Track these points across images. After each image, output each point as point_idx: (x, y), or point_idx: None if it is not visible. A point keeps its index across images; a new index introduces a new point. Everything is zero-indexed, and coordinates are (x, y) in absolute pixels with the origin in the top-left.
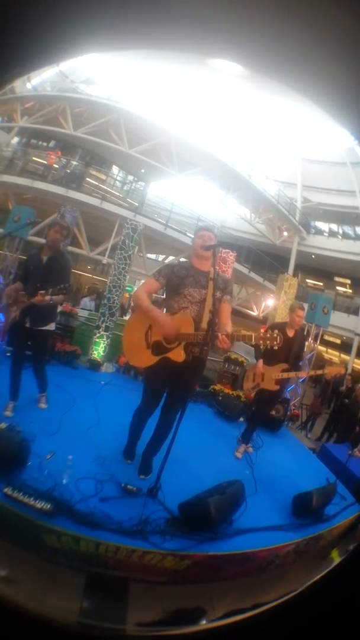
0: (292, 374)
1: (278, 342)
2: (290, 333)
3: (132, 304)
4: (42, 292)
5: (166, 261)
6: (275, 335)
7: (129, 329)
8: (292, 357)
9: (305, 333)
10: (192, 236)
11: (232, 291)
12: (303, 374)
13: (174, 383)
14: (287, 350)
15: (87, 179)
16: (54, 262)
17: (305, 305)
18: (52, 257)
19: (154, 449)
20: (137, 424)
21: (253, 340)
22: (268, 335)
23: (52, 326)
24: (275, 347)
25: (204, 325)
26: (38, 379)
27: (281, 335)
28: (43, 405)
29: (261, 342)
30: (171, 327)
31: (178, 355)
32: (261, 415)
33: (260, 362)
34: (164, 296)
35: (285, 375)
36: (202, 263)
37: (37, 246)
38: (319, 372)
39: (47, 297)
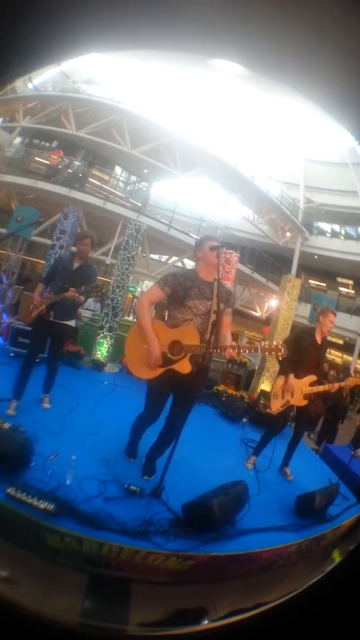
0: (320, 388)
1: (282, 353)
2: (319, 339)
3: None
4: (73, 289)
5: (169, 262)
6: (280, 346)
7: (133, 340)
8: (321, 367)
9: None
10: (196, 237)
11: (234, 303)
12: (335, 387)
13: (179, 392)
14: (315, 359)
15: (90, 179)
16: (83, 270)
17: (308, 306)
18: (83, 266)
19: (157, 453)
20: (138, 429)
21: (259, 352)
22: (273, 346)
23: (72, 322)
24: (280, 359)
25: (208, 337)
26: (48, 377)
27: (286, 346)
28: (47, 405)
29: (266, 353)
30: (155, 354)
31: (184, 367)
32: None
33: (292, 376)
34: (167, 303)
35: (314, 389)
36: (208, 272)
37: (69, 252)
38: (351, 383)
39: (77, 295)
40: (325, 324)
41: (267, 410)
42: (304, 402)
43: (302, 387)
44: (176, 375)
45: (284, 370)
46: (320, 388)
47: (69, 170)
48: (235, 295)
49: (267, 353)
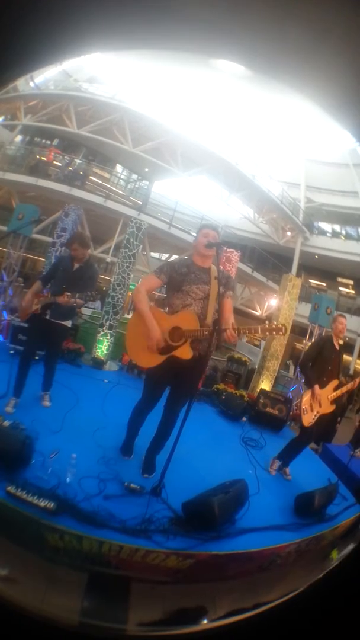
0: (344, 389)
1: (283, 332)
2: (337, 345)
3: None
4: (68, 294)
5: (170, 260)
6: (280, 326)
7: (132, 328)
8: (340, 370)
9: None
10: (196, 234)
11: (235, 287)
12: (355, 384)
13: (177, 380)
14: (337, 364)
15: (91, 177)
16: (84, 271)
17: (309, 306)
18: (83, 267)
19: (157, 447)
20: (136, 419)
21: (260, 332)
22: (274, 326)
23: (69, 322)
24: (282, 336)
25: (209, 321)
26: (47, 376)
27: (286, 325)
28: (47, 403)
29: (267, 333)
30: (157, 339)
31: (185, 352)
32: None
33: (316, 387)
34: (165, 294)
35: (339, 392)
36: (203, 261)
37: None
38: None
39: (72, 300)
40: (337, 328)
41: (286, 415)
42: (332, 407)
43: (328, 394)
44: (177, 362)
45: (309, 384)
46: (344, 389)
47: (70, 168)
48: (235, 281)
49: (268, 334)
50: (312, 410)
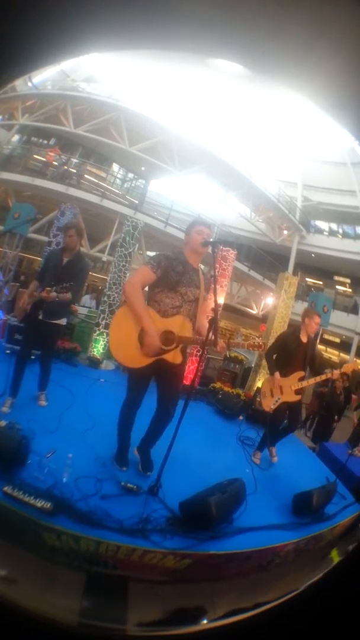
0: (311, 381)
1: (263, 348)
2: (305, 339)
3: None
4: (48, 288)
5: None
6: (260, 342)
7: (119, 325)
8: (308, 363)
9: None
10: (187, 230)
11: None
12: (323, 378)
13: (164, 378)
14: (302, 357)
15: (87, 176)
16: (74, 264)
17: (305, 304)
18: (73, 260)
19: (151, 442)
20: (126, 420)
21: (246, 347)
22: (255, 343)
23: (63, 321)
24: (262, 353)
25: (197, 326)
26: (42, 375)
27: (265, 342)
28: (43, 403)
29: (252, 348)
30: (156, 346)
31: (175, 357)
32: (290, 428)
33: (277, 374)
34: (154, 288)
35: (304, 383)
36: (195, 259)
37: (59, 247)
38: (337, 373)
39: (53, 294)
40: (310, 325)
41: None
42: (297, 398)
43: (290, 384)
44: (163, 362)
45: (270, 370)
46: (311, 381)
47: (65, 167)
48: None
49: (251, 349)
50: (272, 396)
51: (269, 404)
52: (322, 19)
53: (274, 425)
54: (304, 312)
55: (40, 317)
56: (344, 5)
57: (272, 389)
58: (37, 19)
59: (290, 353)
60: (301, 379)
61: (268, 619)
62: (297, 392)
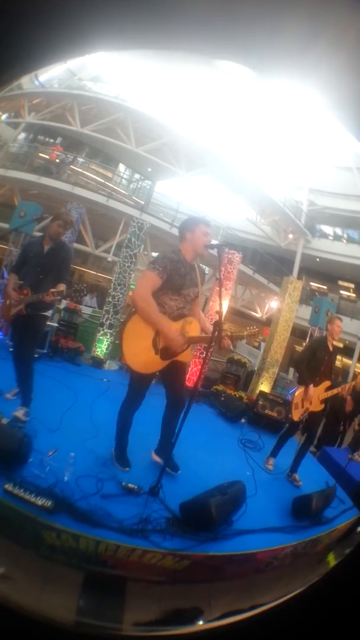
0: (335, 391)
1: (257, 337)
2: (330, 346)
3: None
4: (53, 290)
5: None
6: (256, 331)
7: (133, 335)
8: (332, 371)
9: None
10: (188, 228)
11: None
12: (346, 388)
13: (172, 372)
14: (329, 366)
15: (93, 176)
16: (56, 252)
17: (309, 308)
18: (54, 247)
19: (170, 443)
20: (125, 421)
21: (245, 338)
22: (253, 332)
23: (49, 312)
24: (258, 342)
25: (203, 324)
26: (22, 381)
27: (261, 328)
28: (22, 417)
29: (251, 338)
30: (180, 345)
31: (186, 356)
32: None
33: (311, 387)
34: (159, 289)
35: (330, 393)
36: (192, 257)
37: (38, 236)
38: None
39: (57, 295)
40: (333, 330)
41: (285, 417)
42: (321, 407)
43: (319, 394)
44: (174, 362)
45: (303, 381)
46: (335, 391)
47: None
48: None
49: (249, 337)
50: (302, 407)
51: (298, 415)
52: (324, 17)
53: (293, 433)
54: (327, 319)
55: (24, 312)
56: (341, 4)
57: (304, 400)
58: (41, 16)
59: (319, 362)
60: (328, 389)
61: (264, 621)
62: (322, 402)
